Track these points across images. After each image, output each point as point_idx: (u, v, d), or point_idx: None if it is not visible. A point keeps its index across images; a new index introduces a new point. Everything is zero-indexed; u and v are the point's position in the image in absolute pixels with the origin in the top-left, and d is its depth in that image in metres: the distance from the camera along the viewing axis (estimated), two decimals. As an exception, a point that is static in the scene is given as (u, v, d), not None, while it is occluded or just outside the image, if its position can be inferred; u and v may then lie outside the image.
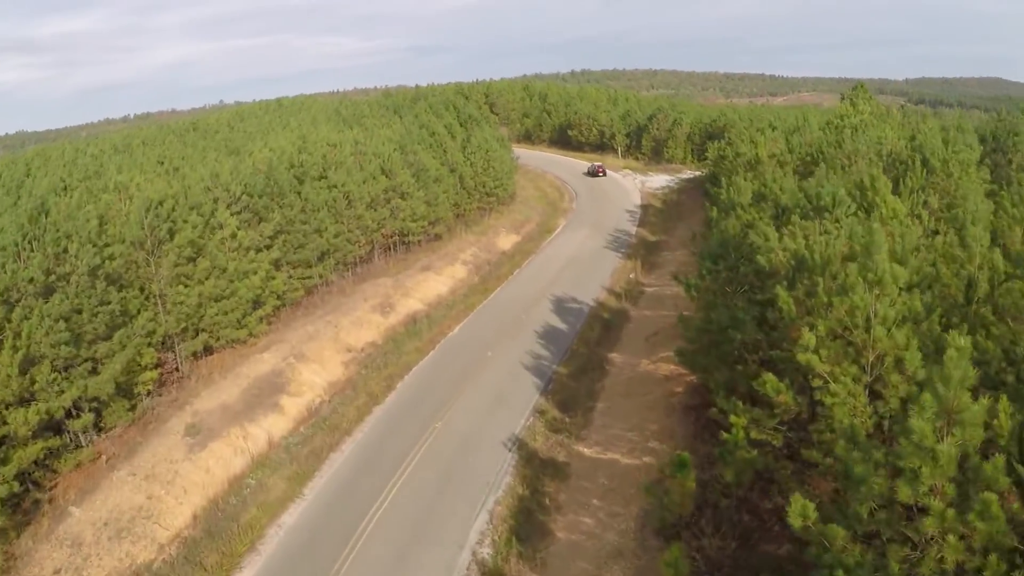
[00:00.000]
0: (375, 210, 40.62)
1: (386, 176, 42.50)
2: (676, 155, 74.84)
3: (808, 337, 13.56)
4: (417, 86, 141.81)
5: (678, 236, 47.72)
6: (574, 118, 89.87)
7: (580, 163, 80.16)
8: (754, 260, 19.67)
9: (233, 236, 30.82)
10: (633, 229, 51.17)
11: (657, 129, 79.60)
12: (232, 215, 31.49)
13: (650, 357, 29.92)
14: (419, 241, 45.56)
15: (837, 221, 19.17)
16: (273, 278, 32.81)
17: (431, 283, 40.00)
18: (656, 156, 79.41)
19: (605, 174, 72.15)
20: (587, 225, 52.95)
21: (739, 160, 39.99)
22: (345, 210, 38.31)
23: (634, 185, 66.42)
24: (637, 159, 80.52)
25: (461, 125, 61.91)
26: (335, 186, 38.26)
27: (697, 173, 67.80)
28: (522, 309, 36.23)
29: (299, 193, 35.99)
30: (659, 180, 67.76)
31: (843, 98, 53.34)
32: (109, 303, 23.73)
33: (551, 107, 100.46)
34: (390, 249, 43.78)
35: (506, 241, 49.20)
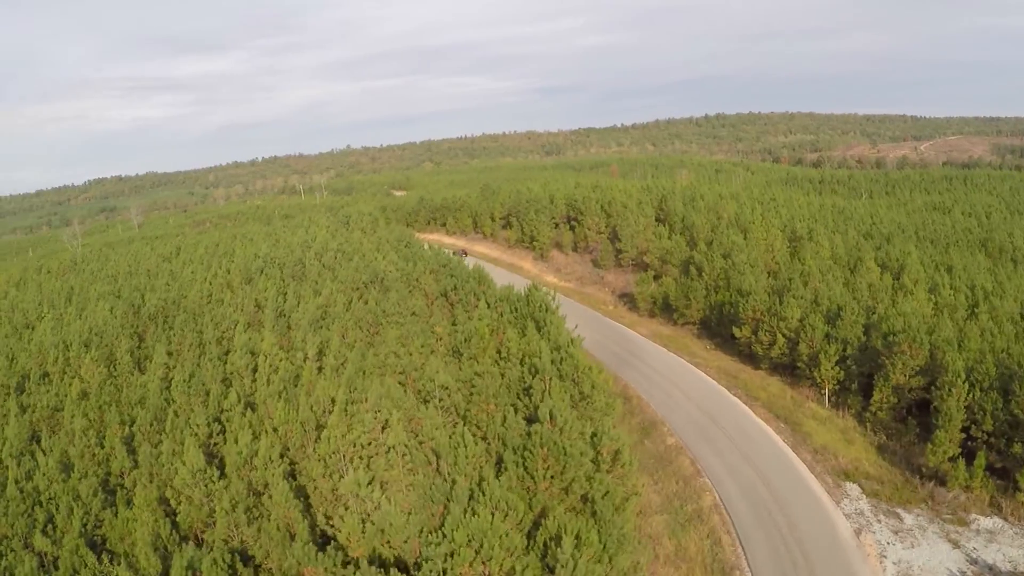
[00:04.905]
0: None
1: None
2: (955, 476, 39.23)
3: None
4: (524, 189, 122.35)
5: None
6: (743, 305, 56.39)
7: (777, 443, 47.19)
8: None
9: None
10: None
11: (901, 371, 45.19)
12: None
13: None
14: None
15: None
16: None
17: None
18: (901, 423, 45.09)
19: (467, 255, 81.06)
20: None
21: None
22: None
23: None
24: (863, 421, 46.34)
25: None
26: None
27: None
28: None
29: None
30: (933, 561, 33.79)
31: None
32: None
33: (703, 256, 67.53)
34: None
35: None
